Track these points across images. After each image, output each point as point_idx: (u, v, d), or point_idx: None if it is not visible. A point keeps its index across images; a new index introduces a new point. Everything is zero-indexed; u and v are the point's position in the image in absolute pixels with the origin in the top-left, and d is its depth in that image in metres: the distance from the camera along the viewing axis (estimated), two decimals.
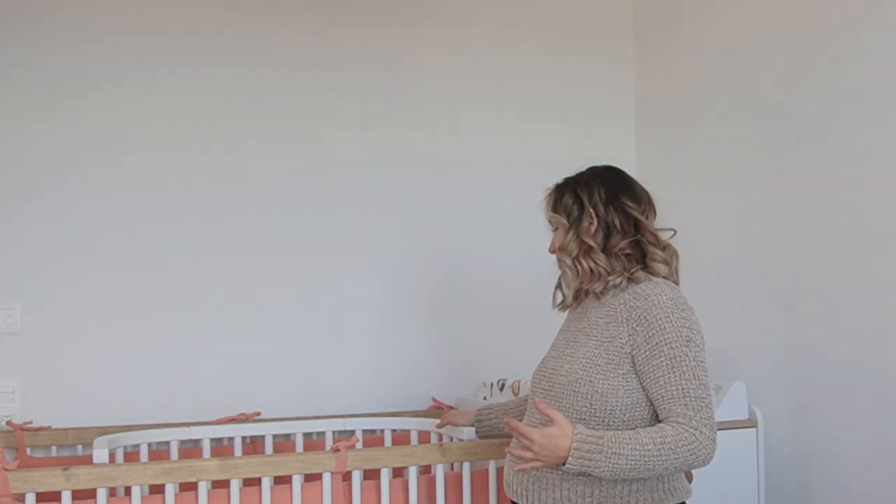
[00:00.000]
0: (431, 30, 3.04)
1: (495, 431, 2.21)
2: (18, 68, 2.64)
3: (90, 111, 2.70)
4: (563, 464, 1.65)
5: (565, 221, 1.86)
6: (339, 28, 2.94)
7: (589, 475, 1.68)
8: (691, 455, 1.66)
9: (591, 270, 1.82)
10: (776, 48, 2.55)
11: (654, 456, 1.64)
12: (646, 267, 1.82)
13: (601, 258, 1.81)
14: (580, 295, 1.88)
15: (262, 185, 2.84)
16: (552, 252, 1.91)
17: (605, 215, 1.84)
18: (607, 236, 1.83)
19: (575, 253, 1.84)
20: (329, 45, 2.93)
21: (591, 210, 1.84)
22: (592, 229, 1.83)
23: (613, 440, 1.64)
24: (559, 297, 1.94)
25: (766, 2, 2.59)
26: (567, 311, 2.00)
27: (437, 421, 2.57)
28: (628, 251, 1.82)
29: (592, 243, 1.82)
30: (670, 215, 2.94)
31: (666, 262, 1.84)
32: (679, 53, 3.00)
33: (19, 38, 2.65)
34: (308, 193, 2.89)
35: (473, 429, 2.27)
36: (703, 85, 2.88)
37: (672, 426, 1.67)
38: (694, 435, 1.66)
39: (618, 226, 1.83)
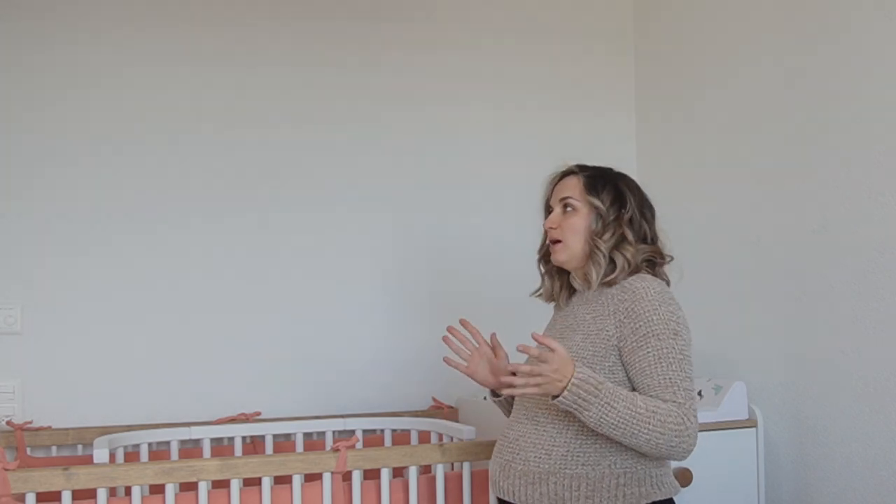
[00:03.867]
0: (427, 28, 3.03)
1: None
2: (15, 66, 2.64)
3: (90, 110, 2.69)
4: (555, 397, 1.66)
5: (605, 210, 1.86)
6: (335, 27, 2.93)
7: (590, 437, 1.72)
8: (676, 437, 1.67)
9: (616, 263, 1.84)
10: (777, 47, 2.55)
11: (642, 421, 1.65)
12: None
13: (630, 252, 1.85)
14: (560, 293, 1.94)
15: (262, 186, 2.84)
16: (553, 230, 1.88)
17: (639, 219, 1.89)
18: (637, 238, 1.88)
19: (612, 243, 1.85)
20: (325, 43, 2.92)
21: (630, 210, 1.88)
22: (627, 225, 1.87)
23: (611, 391, 1.66)
24: (581, 283, 1.90)
25: (766, 7, 2.59)
26: (554, 311, 2.04)
27: (437, 421, 2.58)
28: (642, 257, 1.87)
29: (630, 236, 1.86)
30: (670, 215, 2.95)
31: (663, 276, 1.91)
32: (679, 52, 3.00)
33: (14, 35, 2.64)
34: (308, 194, 2.88)
35: (473, 429, 2.28)
36: (703, 84, 2.88)
37: (665, 403, 1.69)
38: (682, 420, 1.68)
39: (647, 234, 1.90)
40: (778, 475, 2.50)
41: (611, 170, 1.95)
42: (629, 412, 1.65)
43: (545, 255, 1.99)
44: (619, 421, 1.65)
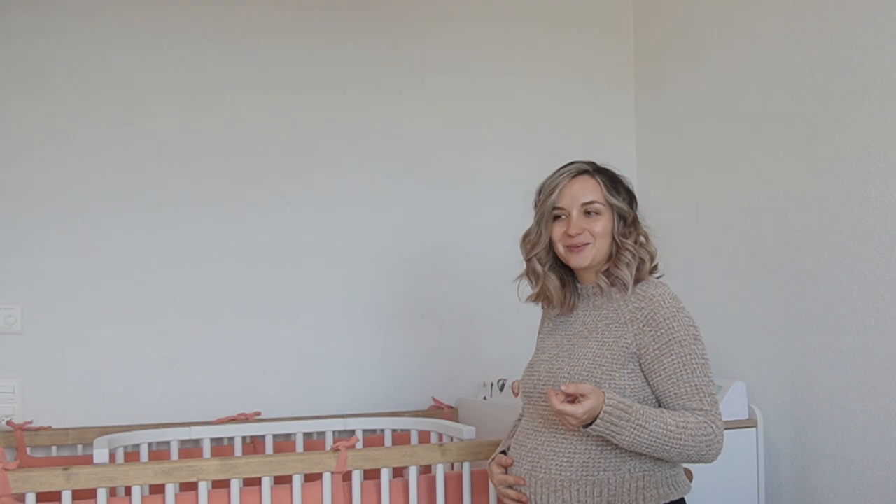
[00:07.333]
0: (424, 23, 3.03)
1: None
2: (11, 61, 2.64)
3: (89, 110, 2.69)
4: (588, 425, 1.65)
5: (628, 209, 1.86)
6: (329, 20, 2.93)
7: (610, 443, 1.70)
8: (706, 447, 1.70)
9: (644, 261, 1.85)
10: (777, 48, 2.55)
11: (674, 437, 1.67)
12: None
13: (650, 248, 1.87)
14: (570, 298, 1.90)
15: (262, 187, 2.84)
16: (578, 235, 1.83)
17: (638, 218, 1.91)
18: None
19: (636, 241, 1.86)
20: (320, 38, 2.92)
21: (636, 207, 1.90)
22: (640, 222, 1.89)
23: (641, 413, 1.67)
24: (621, 279, 1.82)
25: (767, 2, 2.59)
26: (544, 318, 2.02)
27: (437, 421, 2.57)
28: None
29: (645, 232, 1.87)
30: (670, 214, 2.95)
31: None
32: (679, 52, 3.00)
33: (7, 30, 2.64)
34: (308, 196, 2.88)
35: (473, 429, 2.27)
36: (703, 84, 2.88)
37: (693, 415, 1.70)
38: (711, 428, 1.70)
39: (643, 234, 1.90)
40: (778, 475, 2.50)
41: (611, 169, 1.94)
42: (661, 431, 1.67)
43: (554, 257, 1.91)
44: (651, 441, 1.66)
